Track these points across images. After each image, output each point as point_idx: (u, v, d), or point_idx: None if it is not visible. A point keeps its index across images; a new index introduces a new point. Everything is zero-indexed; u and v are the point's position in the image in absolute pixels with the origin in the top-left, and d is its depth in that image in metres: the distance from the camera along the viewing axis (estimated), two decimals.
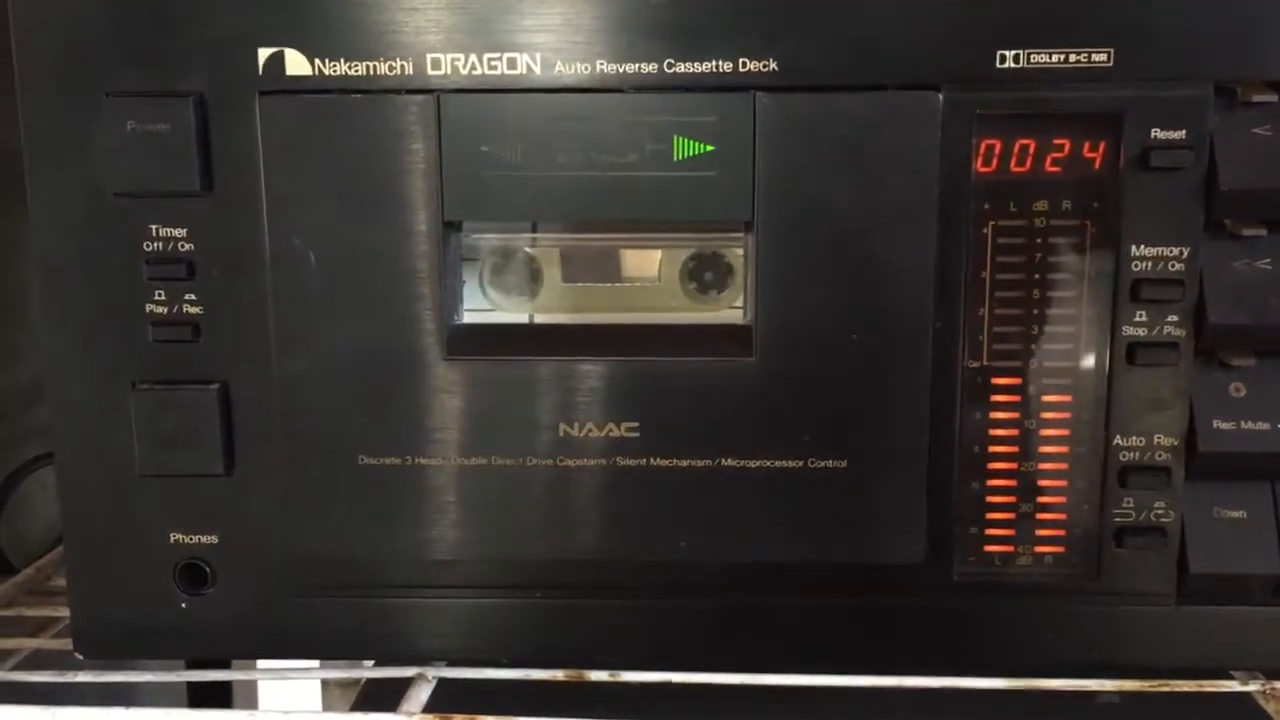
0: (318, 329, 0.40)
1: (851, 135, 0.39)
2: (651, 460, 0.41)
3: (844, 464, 0.41)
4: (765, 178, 0.39)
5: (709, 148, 0.39)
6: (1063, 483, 0.42)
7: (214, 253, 0.40)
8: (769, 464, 0.41)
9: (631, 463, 0.41)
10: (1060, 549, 0.42)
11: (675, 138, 0.39)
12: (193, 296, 0.41)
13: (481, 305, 0.43)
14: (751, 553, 0.41)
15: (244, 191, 0.40)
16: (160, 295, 0.41)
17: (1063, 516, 0.42)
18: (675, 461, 0.41)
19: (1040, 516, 0.42)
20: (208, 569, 0.43)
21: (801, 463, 0.41)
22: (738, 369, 0.40)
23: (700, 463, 0.41)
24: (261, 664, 0.56)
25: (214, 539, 0.42)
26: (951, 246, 0.40)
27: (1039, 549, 0.42)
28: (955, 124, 0.39)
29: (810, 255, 0.40)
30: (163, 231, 0.40)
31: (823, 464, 0.41)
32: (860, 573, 0.42)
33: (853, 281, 0.40)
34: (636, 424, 0.40)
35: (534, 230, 0.43)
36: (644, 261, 0.44)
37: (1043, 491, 0.42)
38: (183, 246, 0.40)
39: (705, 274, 0.44)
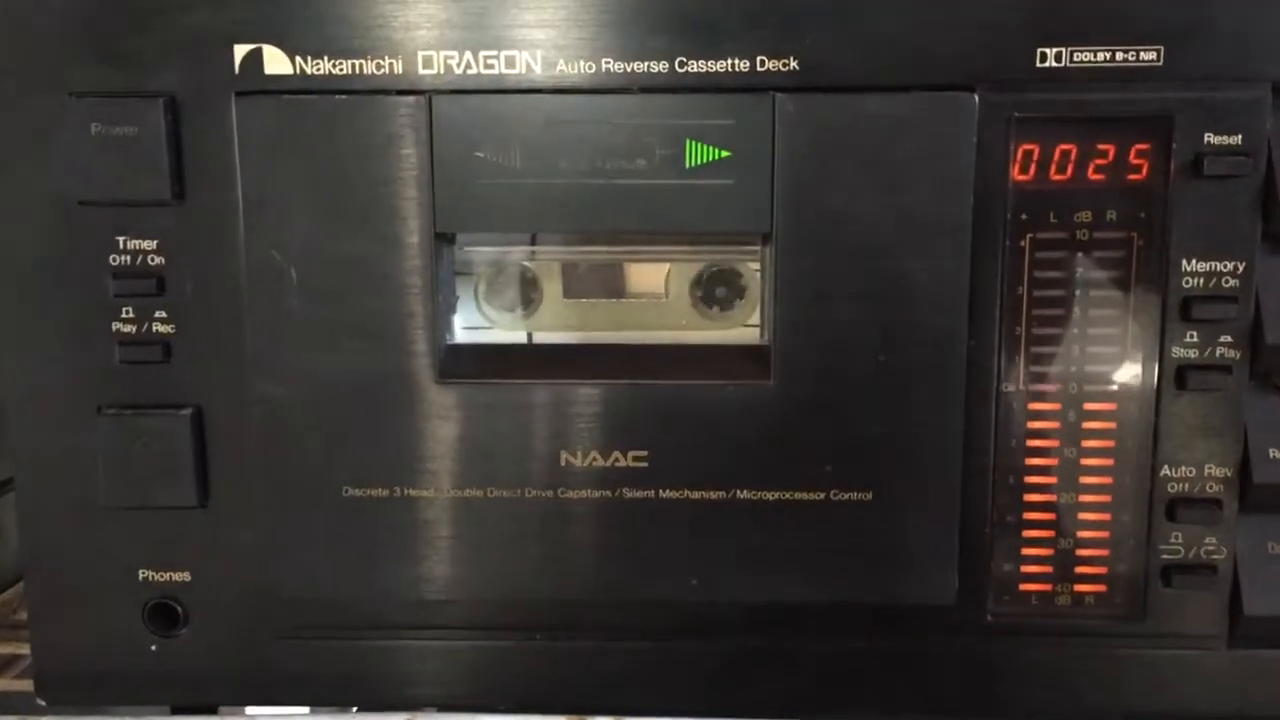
0: (299, 349, 0.38)
1: (879, 140, 0.37)
2: (660, 492, 0.39)
3: (869, 496, 0.39)
4: (785, 186, 0.37)
5: (724, 153, 0.37)
6: (1105, 516, 0.40)
7: (186, 266, 0.38)
8: (788, 496, 0.39)
9: (639, 494, 0.39)
10: (1102, 588, 0.40)
11: (688, 142, 0.37)
12: (163, 314, 0.39)
13: (477, 323, 0.42)
14: (769, 592, 0.39)
15: (219, 200, 0.38)
16: (128, 312, 0.39)
17: (1105, 553, 0.40)
18: (686, 493, 0.39)
19: (1080, 553, 0.40)
20: (180, 609, 0.41)
21: (823, 495, 0.39)
22: (754, 393, 0.38)
23: (713, 495, 0.39)
24: (250, 710, 0.53)
25: (186, 576, 0.40)
26: (986, 261, 0.38)
27: (1079, 588, 0.40)
28: (991, 128, 0.37)
29: (833, 270, 0.38)
30: (131, 244, 0.38)
31: (846, 496, 0.39)
32: (886, 614, 0.40)
33: (879, 298, 0.38)
34: (644, 452, 0.39)
35: (533, 243, 0.41)
36: (651, 276, 0.42)
37: (1083, 526, 0.40)
38: (152, 260, 0.38)
39: (717, 290, 0.42)
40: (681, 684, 0.41)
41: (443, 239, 0.38)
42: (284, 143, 0.37)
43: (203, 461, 0.39)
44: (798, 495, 0.39)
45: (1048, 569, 0.40)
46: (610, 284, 0.42)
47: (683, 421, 0.39)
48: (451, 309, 0.40)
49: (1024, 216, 0.38)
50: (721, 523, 0.39)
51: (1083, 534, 0.40)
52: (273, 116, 0.37)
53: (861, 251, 0.37)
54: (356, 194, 0.38)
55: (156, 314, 0.39)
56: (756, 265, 0.41)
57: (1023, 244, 0.38)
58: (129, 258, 0.38)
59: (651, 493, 0.39)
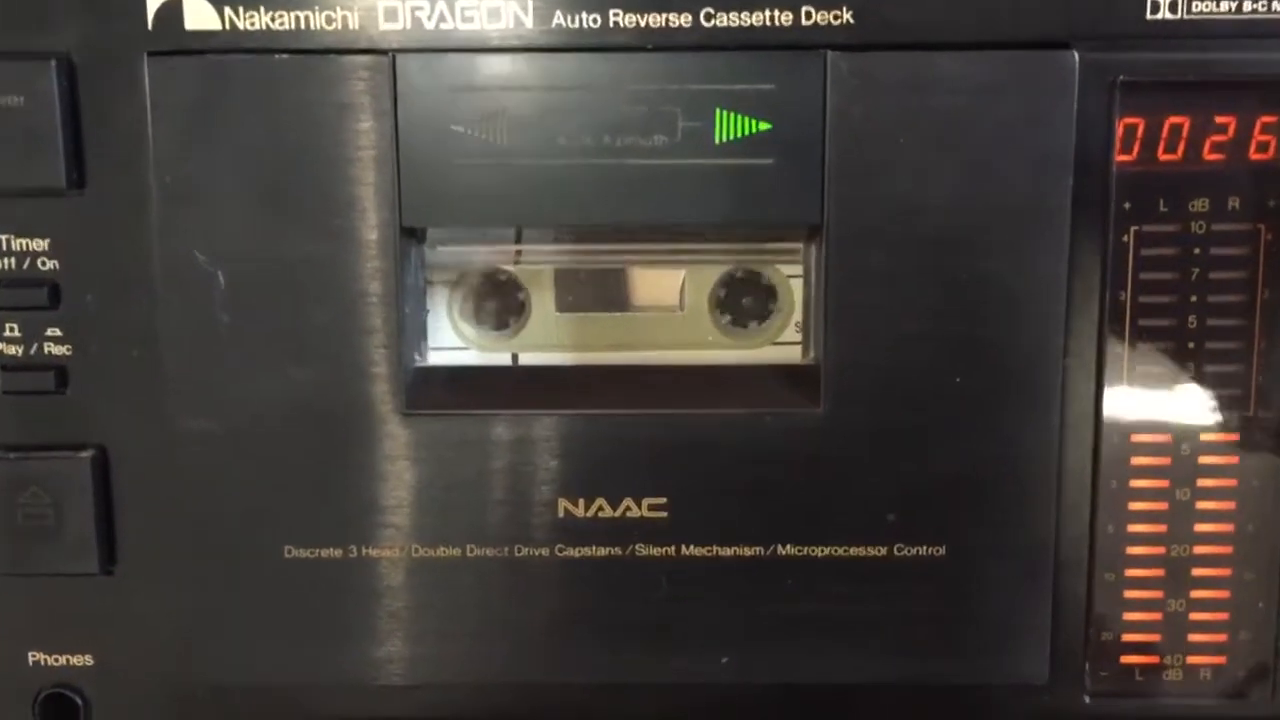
0: (229, 375, 0.35)
1: (953, 110, 0.34)
2: (683, 548, 0.36)
3: (942, 551, 0.36)
4: (839, 167, 0.34)
5: (763, 126, 0.34)
6: (1225, 571, 0.37)
7: (86, 272, 0.36)
8: (842, 552, 0.36)
9: (656, 552, 0.36)
10: (1220, 659, 0.37)
11: (718, 112, 0.34)
12: (58, 331, 0.36)
13: (451, 343, 0.39)
14: (817, 673, 0.37)
15: (127, 188, 0.35)
16: (13, 330, 0.36)
17: (1224, 617, 0.37)
18: (715, 550, 0.36)
19: (1195, 617, 0.37)
20: (80, 700, 0.38)
21: (885, 550, 0.36)
22: (799, 423, 0.35)
23: (748, 552, 0.36)
24: None
25: (88, 660, 0.38)
26: (1082, 259, 0.35)
27: (1193, 659, 0.37)
28: (1090, 95, 0.34)
29: (898, 270, 0.34)
30: (16, 244, 0.36)
31: (914, 552, 0.36)
32: (962, 698, 0.37)
33: (954, 306, 0.35)
34: (662, 500, 0.36)
35: (519, 240, 0.38)
36: (662, 284, 0.39)
37: (1198, 584, 0.37)
38: (44, 264, 0.36)
39: (743, 299, 0.39)
40: None
41: (410, 236, 0.36)
42: (210, 115, 0.34)
43: (107, 516, 0.37)
44: (854, 551, 0.36)
45: (1155, 636, 0.37)
46: (613, 294, 0.39)
47: (710, 461, 0.36)
48: (421, 323, 0.37)
49: (1127, 206, 0.35)
50: (759, 586, 0.36)
51: (1197, 594, 0.37)
52: (196, 82, 0.34)
53: (933, 248, 0.34)
54: (301, 179, 0.35)
55: (49, 332, 0.36)
56: (790, 270, 0.38)
57: (1125, 240, 0.35)
58: (14, 261, 0.36)
59: (672, 549, 0.36)
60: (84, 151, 0.35)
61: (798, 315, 0.38)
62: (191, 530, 0.36)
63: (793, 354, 0.38)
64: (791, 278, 0.38)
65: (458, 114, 0.34)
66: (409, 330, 0.35)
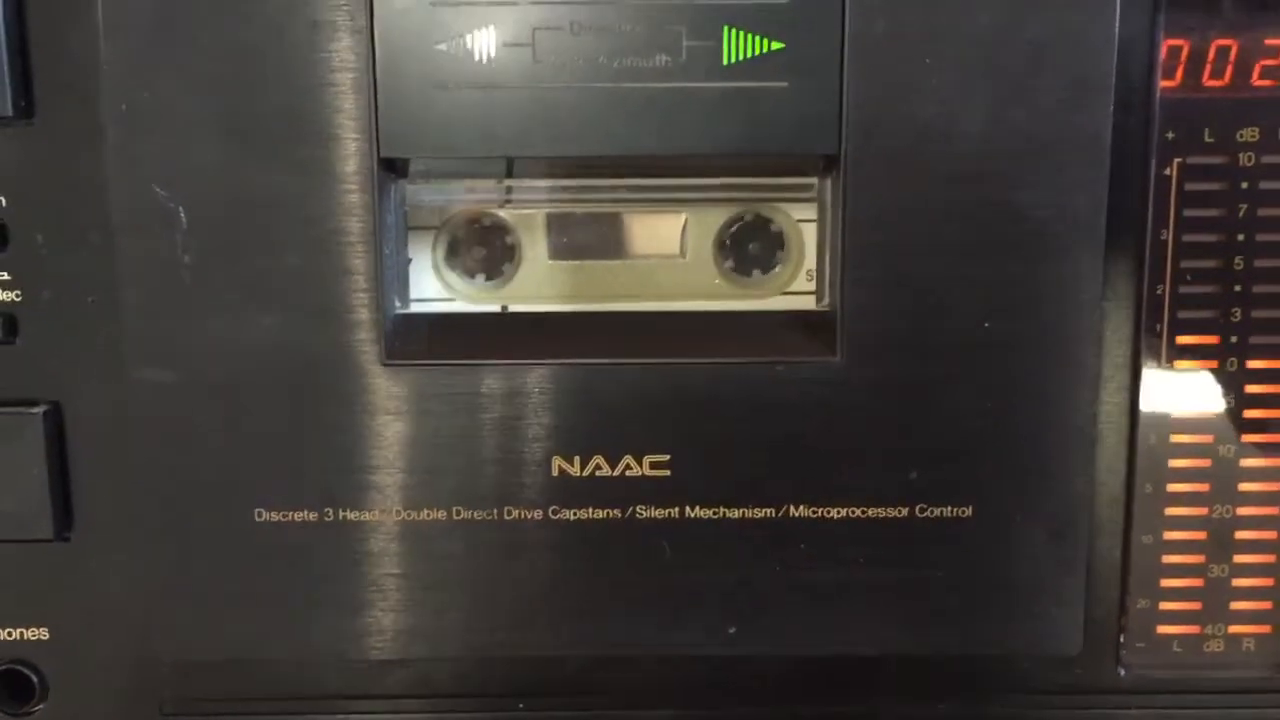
0: (193, 321, 0.34)
1: (984, 29, 0.32)
2: (687, 509, 0.35)
3: (968, 513, 0.34)
4: (858, 91, 0.32)
5: (775, 45, 0.32)
6: (1271, 534, 0.35)
7: (36, 210, 0.34)
8: (859, 513, 0.34)
9: (658, 513, 0.35)
10: (1266, 628, 0.36)
11: (726, 31, 0.32)
12: (5, 276, 0.34)
13: (436, 294, 0.37)
14: (832, 643, 0.35)
15: (79, 118, 0.33)
16: None
17: (1270, 583, 0.36)
18: (721, 511, 0.35)
19: (1238, 583, 0.36)
20: (34, 677, 0.37)
21: (907, 511, 0.34)
22: (814, 374, 0.34)
23: (757, 513, 0.34)
24: None
25: (43, 634, 0.37)
26: (1122, 195, 0.33)
27: (1235, 629, 0.36)
28: (1132, 13, 0.32)
29: (922, 207, 0.33)
30: None
31: (938, 512, 0.34)
32: (990, 670, 0.36)
33: (984, 245, 0.33)
34: (665, 457, 0.34)
35: (509, 174, 0.37)
36: (663, 229, 0.37)
37: (1241, 547, 0.35)
38: None
39: (749, 244, 0.37)
40: None
41: (389, 168, 0.34)
42: (168, 34, 0.32)
43: (63, 477, 0.36)
44: (873, 513, 0.34)
45: (1196, 605, 0.36)
46: (610, 240, 0.37)
47: (716, 415, 0.34)
48: (402, 265, 0.36)
49: (1170, 136, 0.34)
50: (768, 551, 0.35)
51: (1241, 558, 0.35)
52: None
53: (961, 181, 0.33)
54: (269, 105, 0.33)
55: None
56: (801, 213, 0.36)
57: (1168, 173, 0.34)
58: None
59: (675, 510, 0.35)
60: (32, 78, 0.33)
61: (810, 263, 0.36)
62: (153, 493, 0.34)
63: (805, 305, 0.36)
64: (802, 222, 0.36)
65: (440, 32, 0.32)
66: (389, 273, 0.34)
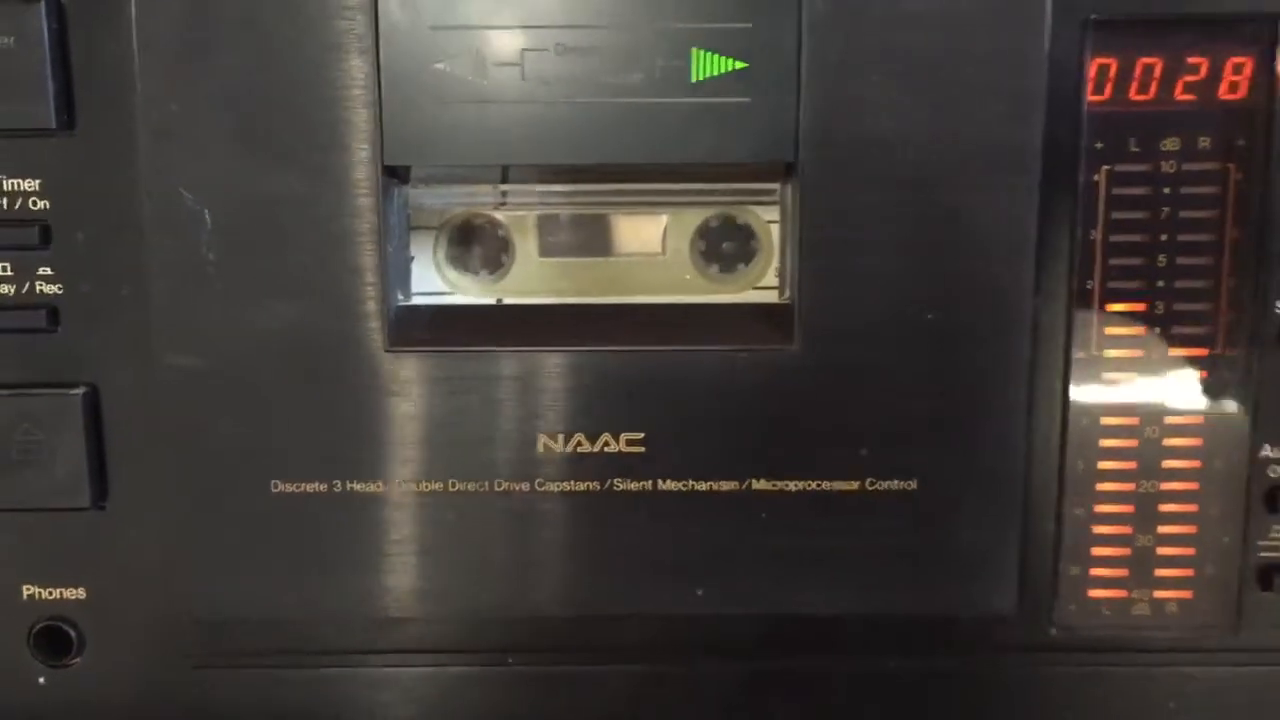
0: (216, 311, 0.35)
1: (926, 48, 0.33)
2: (660, 483, 0.36)
3: (912, 485, 0.36)
4: (814, 105, 0.34)
5: (739, 65, 0.34)
6: (1192, 507, 0.37)
7: (77, 212, 0.35)
8: (815, 486, 0.36)
9: (633, 486, 0.36)
10: (1187, 593, 0.37)
11: (693, 52, 0.33)
12: (48, 271, 0.36)
13: (437, 288, 0.39)
14: (791, 604, 0.37)
15: (117, 128, 0.35)
16: (5, 270, 0.36)
17: (1191, 551, 0.37)
18: (691, 484, 0.36)
19: (1162, 551, 0.37)
20: (74, 633, 0.38)
21: (858, 485, 0.36)
22: (773, 362, 0.35)
23: (724, 486, 0.36)
24: None
25: (81, 593, 0.38)
26: (1054, 199, 0.34)
27: (1159, 594, 0.37)
28: (1062, 33, 0.34)
29: (871, 209, 0.34)
30: (8, 184, 0.35)
31: (886, 486, 0.36)
32: (932, 628, 0.37)
33: (927, 244, 0.34)
34: (640, 435, 0.36)
35: (504, 180, 0.38)
36: (645, 229, 0.39)
37: (1165, 519, 0.36)
38: (35, 204, 0.35)
39: (723, 244, 0.39)
40: (687, 717, 0.39)
41: (393, 175, 0.35)
42: (196, 54, 0.34)
43: (99, 452, 0.37)
44: (827, 485, 0.36)
45: (1123, 571, 0.37)
46: (596, 239, 0.39)
47: (686, 397, 0.35)
48: (404, 262, 0.37)
49: (1099, 145, 0.35)
50: (734, 520, 0.36)
51: (1164, 529, 0.37)
52: (182, 21, 0.34)
53: (906, 186, 0.34)
54: (286, 118, 0.34)
55: (40, 271, 0.36)
56: (771, 215, 0.38)
57: (1097, 179, 0.35)
58: (5, 201, 0.35)
59: (649, 484, 0.36)
60: (74, 92, 0.34)
61: (778, 261, 0.38)
62: (180, 466, 0.36)
63: (772, 299, 0.38)
64: (772, 223, 0.38)
65: (439, 53, 0.33)
66: (393, 269, 0.35)
